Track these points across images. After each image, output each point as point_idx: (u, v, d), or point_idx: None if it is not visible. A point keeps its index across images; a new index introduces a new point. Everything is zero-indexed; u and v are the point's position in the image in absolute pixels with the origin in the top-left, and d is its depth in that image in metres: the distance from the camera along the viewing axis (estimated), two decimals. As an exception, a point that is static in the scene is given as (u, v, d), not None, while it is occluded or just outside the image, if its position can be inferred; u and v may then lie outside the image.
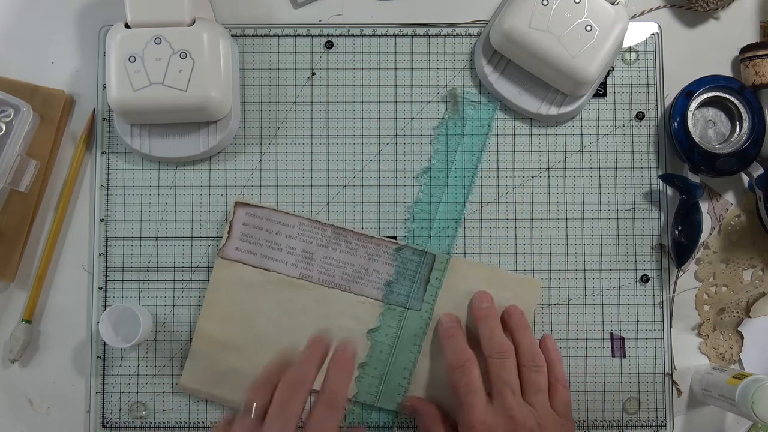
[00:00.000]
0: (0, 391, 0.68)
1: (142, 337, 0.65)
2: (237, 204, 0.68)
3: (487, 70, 0.68)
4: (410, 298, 0.67)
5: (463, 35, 0.70)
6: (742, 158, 0.66)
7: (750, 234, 0.70)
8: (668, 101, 0.69)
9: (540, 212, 0.69)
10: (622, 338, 0.68)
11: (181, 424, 0.67)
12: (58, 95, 0.69)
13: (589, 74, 0.64)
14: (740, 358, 0.70)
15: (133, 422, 0.68)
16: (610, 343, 0.68)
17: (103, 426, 0.67)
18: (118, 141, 0.69)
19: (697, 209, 0.67)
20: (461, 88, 0.69)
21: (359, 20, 0.70)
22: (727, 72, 0.70)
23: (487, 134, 0.69)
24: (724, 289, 0.70)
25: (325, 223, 0.68)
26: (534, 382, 0.63)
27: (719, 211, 0.70)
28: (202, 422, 0.67)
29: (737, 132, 0.68)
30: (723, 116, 0.68)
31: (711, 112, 0.69)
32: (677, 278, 0.69)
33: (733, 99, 0.67)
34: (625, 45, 0.69)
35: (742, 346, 0.70)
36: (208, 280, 0.68)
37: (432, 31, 0.70)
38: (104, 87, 0.69)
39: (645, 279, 0.69)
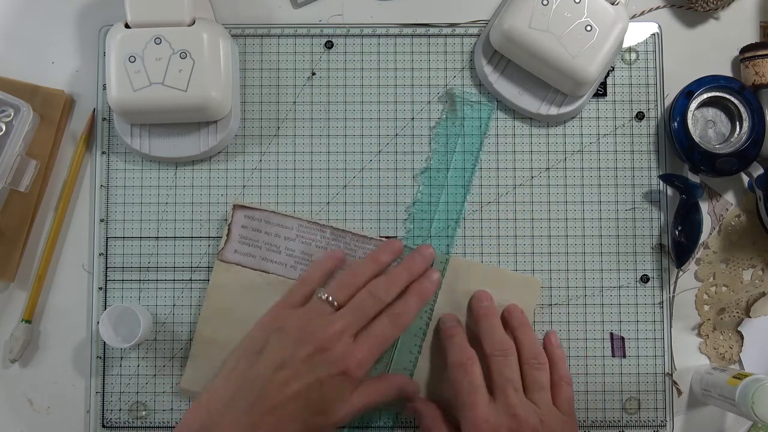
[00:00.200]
0: (0, 391, 0.69)
1: (142, 337, 0.65)
2: (235, 207, 0.68)
3: (487, 70, 0.68)
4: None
5: (463, 35, 0.70)
6: (742, 158, 0.66)
7: (750, 234, 0.70)
8: (668, 101, 0.69)
9: (540, 212, 0.69)
10: (622, 338, 0.68)
11: (181, 424, 0.67)
12: (58, 95, 0.69)
13: (589, 74, 0.64)
14: (740, 358, 0.70)
15: (133, 422, 0.68)
16: (610, 343, 0.68)
17: (103, 426, 0.67)
18: (118, 141, 0.69)
19: (697, 209, 0.67)
20: (461, 87, 0.69)
21: (359, 20, 0.70)
22: (727, 72, 0.70)
23: (485, 134, 0.69)
24: (724, 289, 0.70)
25: (324, 225, 0.68)
26: (536, 379, 0.63)
27: (719, 211, 0.70)
28: (202, 422, 0.67)
29: (737, 132, 0.68)
30: (723, 116, 0.68)
31: (711, 112, 0.69)
32: (677, 278, 0.69)
33: (733, 99, 0.67)
34: (625, 45, 0.69)
35: (742, 346, 0.70)
36: (208, 280, 0.68)
37: (432, 31, 0.70)
38: (104, 87, 0.69)
39: (645, 279, 0.69)
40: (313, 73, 0.70)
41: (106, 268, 0.68)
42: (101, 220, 0.68)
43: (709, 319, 0.70)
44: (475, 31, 0.70)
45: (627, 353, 0.68)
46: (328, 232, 0.68)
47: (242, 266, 0.67)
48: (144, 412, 0.68)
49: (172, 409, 0.68)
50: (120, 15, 0.64)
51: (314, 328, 0.60)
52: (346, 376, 0.60)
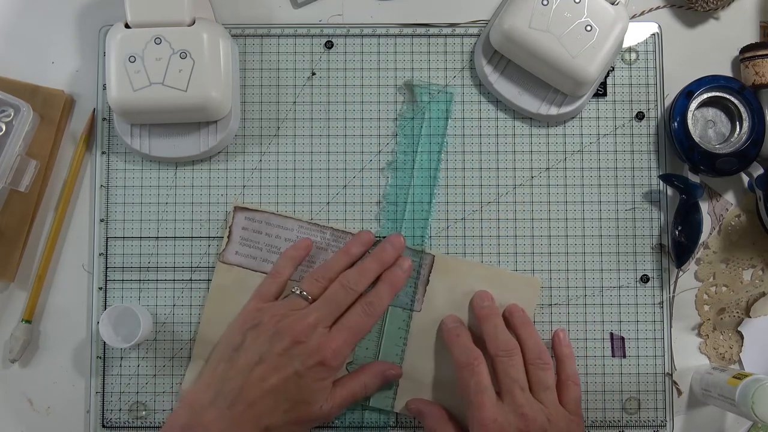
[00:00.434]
0: (0, 391, 0.68)
1: (142, 337, 0.65)
2: (236, 208, 0.68)
3: (487, 70, 0.68)
4: (411, 300, 0.67)
5: (463, 35, 0.70)
6: (742, 158, 0.66)
7: (750, 234, 0.70)
8: (668, 101, 0.69)
9: (540, 212, 0.69)
10: (622, 338, 0.68)
11: (181, 424, 0.67)
12: (58, 95, 0.69)
13: (589, 74, 0.64)
14: (740, 358, 0.70)
15: (133, 422, 0.68)
16: (610, 343, 0.68)
17: (103, 426, 0.67)
18: (118, 141, 0.69)
19: (697, 209, 0.67)
20: (461, 87, 0.69)
21: (359, 20, 0.70)
22: (727, 72, 0.70)
23: (448, 119, 0.69)
24: (724, 289, 0.70)
25: (324, 226, 0.68)
26: (541, 379, 0.63)
27: (719, 211, 0.70)
28: (202, 422, 0.67)
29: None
30: (723, 116, 0.68)
31: (711, 112, 0.69)
32: (677, 278, 0.69)
33: (733, 99, 0.67)
34: (625, 45, 0.69)
35: (742, 346, 0.70)
36: (209, 280, 0.68)
37: (432, 31, 0.70)
38: (104, 87, 0.69)
39: (645, 279, 0.69)
40: (313, 73, 0.70)
41: (106, 268, 0.68)
42: (101, 220, 0.68)
43: (709, 319, 0.70)
44: (475, 31, 0.70)
45: (627, 353, 0.68)
46: (328, 233, 0.68)
47: (243, 268, 0.68)
48: (144, 412, 0.68)
49: (172, 409, 0.68)
50: (120, 15, 0.64)
51: (289, 322, 0.62)
52: (324, 365, 0.61)
